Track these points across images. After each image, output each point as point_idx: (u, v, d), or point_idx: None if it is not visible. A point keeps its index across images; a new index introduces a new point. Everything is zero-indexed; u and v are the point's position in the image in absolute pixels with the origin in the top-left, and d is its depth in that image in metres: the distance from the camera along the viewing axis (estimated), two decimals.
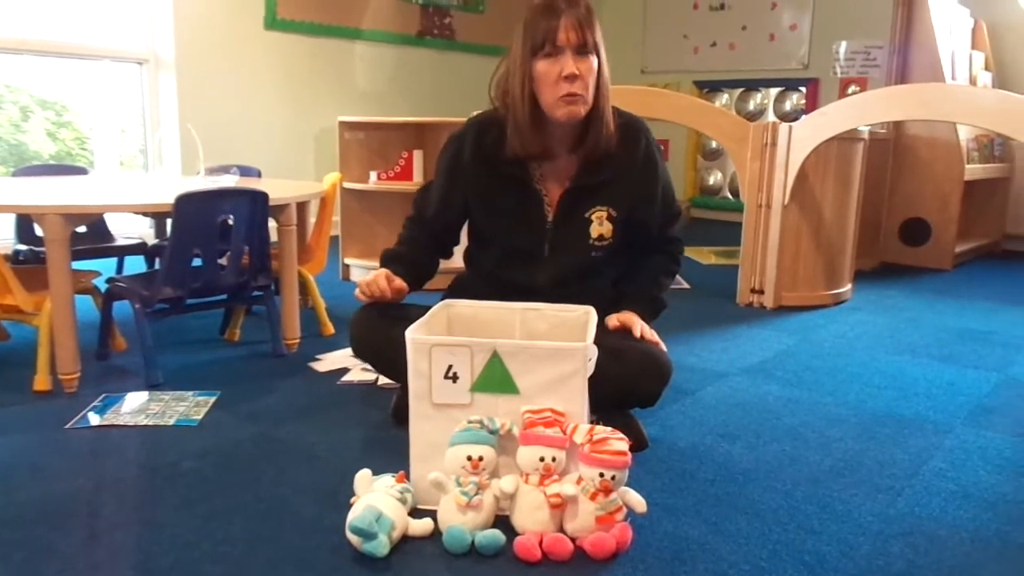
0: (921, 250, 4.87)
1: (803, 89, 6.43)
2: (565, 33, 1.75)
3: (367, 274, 1.95)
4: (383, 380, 2.40)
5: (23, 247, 3.01)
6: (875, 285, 4.20)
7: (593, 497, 1.48)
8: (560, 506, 1.50)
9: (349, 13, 5.53)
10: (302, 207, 3.01)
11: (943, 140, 4.71)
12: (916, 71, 4.88)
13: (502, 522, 1.53)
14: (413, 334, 1.61)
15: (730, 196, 6.93)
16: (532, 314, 1.87)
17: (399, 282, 1.92)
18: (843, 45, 6.10)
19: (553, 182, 1.94)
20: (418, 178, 3.94)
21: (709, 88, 6.90)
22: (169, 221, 2.37)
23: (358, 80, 5.70)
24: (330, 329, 3.00)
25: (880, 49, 5.84)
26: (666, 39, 7.04)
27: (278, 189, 2.72)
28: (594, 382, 1.60)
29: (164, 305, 2.47)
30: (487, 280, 2.03)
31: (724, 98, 6.86)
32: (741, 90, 6.77)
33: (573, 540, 1.48)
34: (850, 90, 6.03)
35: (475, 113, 2.04)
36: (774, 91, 6.62)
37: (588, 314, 1.80)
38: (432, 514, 1.55)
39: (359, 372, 2.50)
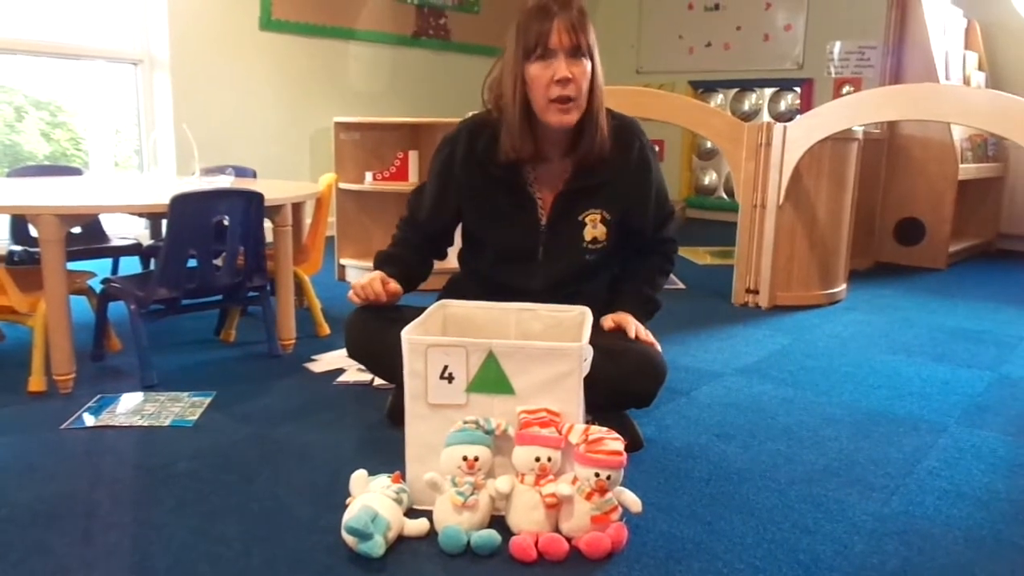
0: (915, 250, 4.89)
1: (797, 89, 6.44)
2: (558, 36, 1.74)
3: (362, 276, 1.95)
4: (379, 381, 2.40)
5: (18, 248, 3.01)
6: (869, 285, 4.22)
7: (588, 497, 1.48)
8: (556, 506, 1.50)
9: (344, 13, 5.53)
10: (298, 208, 3.01)
11: (937, 140, 4.72)
12: (910, 71, 4.90)
13: (498, 522, 1.53)
14: (409, 334, 1.61)
15: (725, 196, 6.94)
16: (527, 314, 1.87)
17: (393, 284, 1.92)
18: (837, 45, 6.12)
19: (547, 185, 1.94)
20: (413, 178, 3.94)
21: (704, 88, 6.91)
22: (164, 222, 2.37)
23: (353, 80, 5.70)
24: (326, 330, 3.00)
25: (874, 49, 5.85)
26: (661, 39, 7.05)
27: (274, 190, 2.72)
28: (589, 382, 1.60)
29: (159, 306, 2.46)
30: (481, 282, 2.03)
31: (719, 98, 6.87)
32: (736, 90, 6.79)
33: (569, 540, 1.48)
34: (844, 90, 6.05)
35: (470, 114, 2.04)
36: (769, 91, 6.64)
37: (583, 315, 1.81)
38: (428, 514, 1.55)
39: (355, 373, 2.50)
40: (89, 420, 2.10)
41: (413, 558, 1.46)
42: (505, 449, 1.57)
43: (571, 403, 1.59)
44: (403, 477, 1.61)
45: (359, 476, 1.57)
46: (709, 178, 7.08)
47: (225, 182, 2.85)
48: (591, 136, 1.84)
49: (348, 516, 1.45)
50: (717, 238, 5.62)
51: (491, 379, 1.59)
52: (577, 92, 1.78)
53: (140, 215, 3.55)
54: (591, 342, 1.62)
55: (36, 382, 2.30)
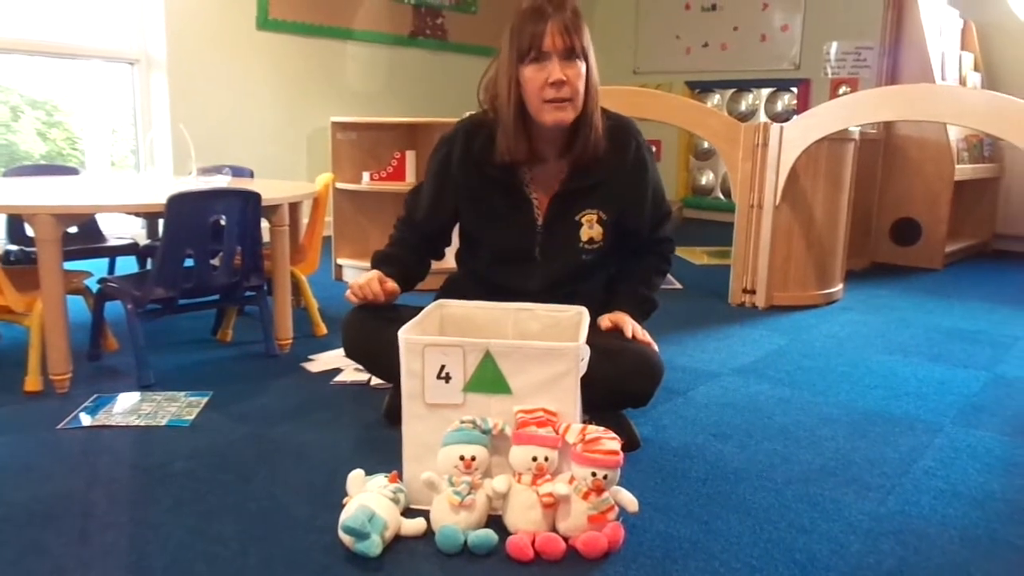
0: (911, 250, 4.90)
1: (794, 90, 6.45)
2: (551, 38, 1.74)
3: (359, 275, 1.95)
4: (376, 380, 2.40)
5: (14, 247, 3.01)
6: (866, 285, 4.22)
7: (585, 496, 1.49)
8: (552, 505, 1.50)
9: (341, 13, 5.53)
10: (295, 207, 3.00)
11: (933, 140, 4.73)
12: (906, 72, 4.91)
13: (495, 522, 1.54)
14: (406, 334, 1.62)
15: (722, 196, 6.94)
16: (525, 314, 1.87)
17: (391, 284, 1.93)
18: (834, 46, 6.13)
19: (543, 186, 1.95)
20: (411, 178, 3.94)
21: (701, 89, 6.92)
22: (161, 221, 2.37)
23: (350, 80, 5.69)
24: (323, 329, 3.00)
25: (870, 50, 5.86)
26: (658, 40, 7.06)
27: (270, 189, 2.72)
28: (586, 382, 1.61)
29: (156, 305, 2.46)
30: (478, 282, 2.03)
31: (716, 99, 6.88)
32: (733, 91, 6.79)
33: (565, 539, 1.48)
34: (841, 91, 6.06)
35: (467, 115, 2.04)
36: (765, 92, 6.64)
37: (580, 314, 1.81)
38: (425, 514, 1.55)
39: (352, 372, 2.50)
40: (86, 420, 2.10)
41: (410, 557, 1.46)
42: (502, 449, 1.57)
43: (568, 403, 1.59)
44: (400, 476, 1.61)
45: (356, 475, 1.57)
46: (706, 178, 7.09)
47: (222, 182, 2.84)
48: (586, 136, 1.84)
49: (345, 515, 1.45)
50: (714, 238, 5.63)
51: (488, 379, 1.59)
52: (572, 93, 1.78)
53: (137, 215, 3.55)
54: (588, 342, 1.63)
55: (32, 382, 2.30)
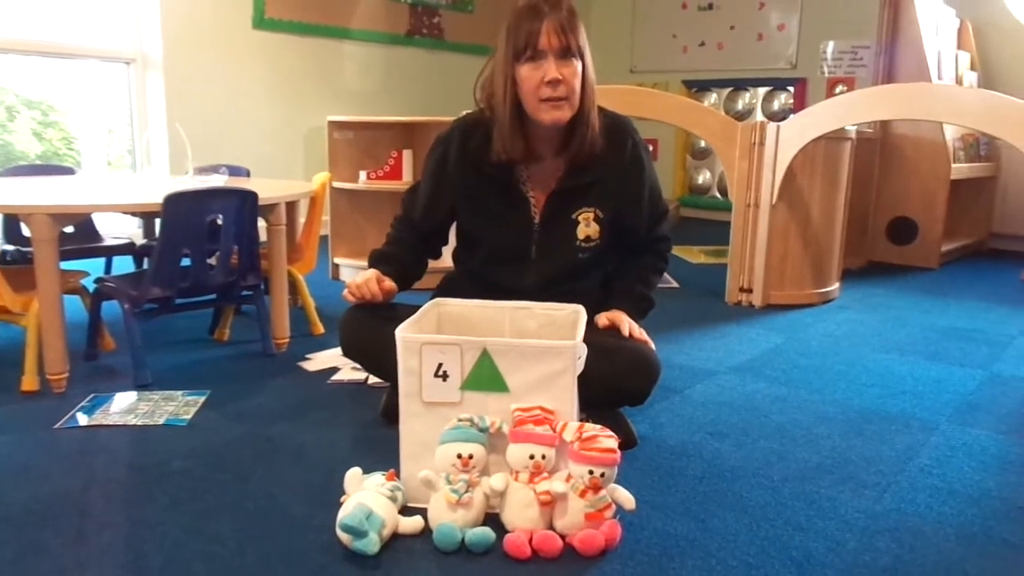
0: (908, 249, 4.90)
1: (791, 89, 6.46)
2: (547, 37, 1.74)
3: (356, 275, 1.95)
4: (373, 379, 2.40)
5: (10, 247, 3.00)
6: (862, 284, 4.23)
7: (582, 494, 1.49)
8: (550, 503, 1.51)
9: (338, 12, 5.52)
10: (291, 207, 3.00)
11: (929, 139, 4.74)
12: (903, 71, 4.91)
13: (492, 519, 1.54)
14: (403, 332, 1.62)
15: (718, 195, 6.95)
16: (522, 313, 1.88)
17: (389, 283, 1.93)
18: (830, 45, 6.14)
19: (539, 184, 1.95)
20: (407, 177, 3.94)
21: (698, 88, 6.92)
22: (158, 221, 2.37)
23: (347, 79, 5.69)
24: (320, 328, 3.00)
25: (867, 49, 5.87)
26: (655, 39, 7.06)
27: (267, 189, 2.72)
28: (583, 380, 1.61)
29: (153, 305, 2.46)
30: (475, 280, 2.03)
31: (712, 97, 6.88)
32: (729, 90, 6.80)
33: (562, 537, 1.49)
34: (837, 90, 6.07)
35: (463, 113, 2.04)
36: (762, 91, 6.65)
37: (578, 313, 1.81)
38: (422, 512, 1.55)
39: (349, 371, 2.50)
40: (83, 419, 2.10)
41: (408, 556, 1.46)
42: (499, 447, 1.57)
43: (565, 401, 1.59)
44: (397, 475, 1.61)
45: (354, 474, 1.57)
46: (703, 177, 7.09)
47: (219, 181, 2.84)
48: (582, 134, 1.85)
49: (343, 514, 1.46)
50: (711, 237, 5.63)
51: (485, 377, 1.59)
52: (568, 92, 1.78)
53: (133, 214, 3.54)
54: (585, 340, 1.63)
55: (29, 381, 2.29)
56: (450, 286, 2.07)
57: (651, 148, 6.82)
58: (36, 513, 1.60)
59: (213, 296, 2.65)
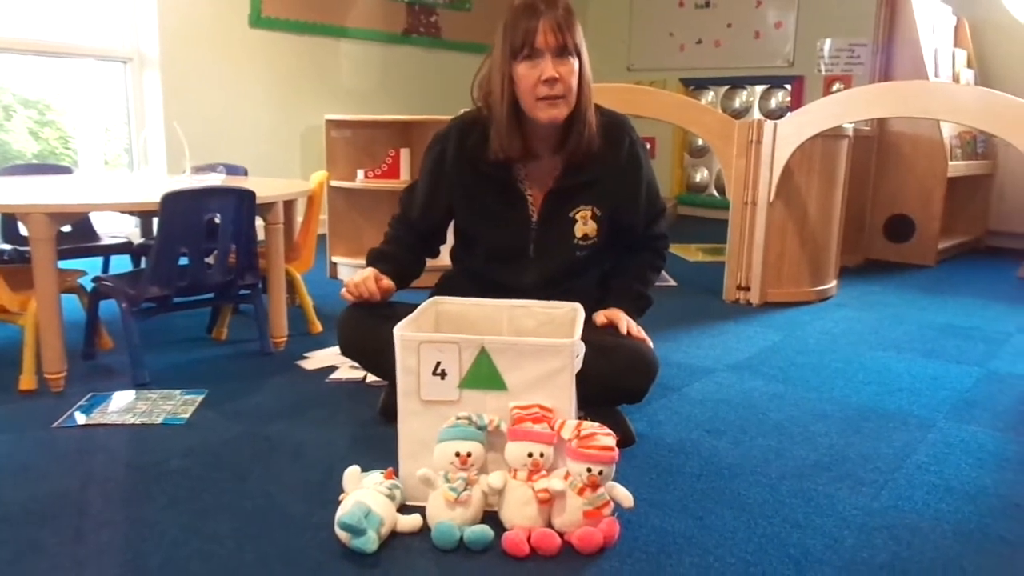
0: (905, 246, 4.91)
1: (788, 86, 6.46)
2: (544, 36, 1.75)
3: (355, 273, 1.95)
4: (371, 378, 2.40)
5: (8, 246, 3.00)
6: (859, 281, 4.24)
7: (580, 492, 1.49)
8: (548, 501, 1.51)
9: (335, 11, 5.52)
10: (289, 205, 3.00)
11: (926, 137, 4.75)
12: (900, 69, 4.92)
13: (490, 517, 1.54)
14: (402, 331, 1.62)
15: (716, 193, 6.95)
16: (520, 311, 1.88)
17: (387, 281, 1.93)
18: (827, 43, 6.13)
19: (537, 183, 1.95)
20: (405, 176, 3.94)
21: (695, 86, 6.92)
22: (155, 220, 2.37)
23: (344, 78, 5.69)
24: (318, 327, 3.00)
25: (864, 47, 5.87)
26: (652, 37, 7.06)
27: (265, 187, 2.72)
28: (581, 378, 1.61)
29: (151, 304, 2.46)
30: (473, 278, 2.03)
31: (710, 96, 6.89)
32: (727, 88, 6.80)
33: (561, 535, 1.49)
34: (834, 88, 6.06)
35: (461, 112, 2.04)
36: (759, 89, 6.65)
37: (575, 311, 1.81)
38: (421, 510, 1.55)
39: (347, 370, 2.50)
40: (81, 418, 2.10)
41: (406, 554, 1.46)
42: (498, 445, 1.57)
43: (563, 399, 1.59)
44: (396, 473, 1.62)
45: (352, 472, 1.57)
46: (700, 175, 7.10)
47: (216, 180, 2.84)
48: (579, 133, 1.85)
49: (341, 512, 1.46)
50: (708, 235, 5.64)
51: (484, 375, 1.59)
52: (565, 90, 1.78)
53: (131, 213, 3.54)
54: (583, 338, 1.63)
55: (27, 381, 2.29)
56: (448, 284, 2.08)
57: (648, 146, 6.82)
58: (34, 512, 1.60)
59: (211, 295, 2.65)
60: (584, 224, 1.95)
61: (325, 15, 5.46)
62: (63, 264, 2.41)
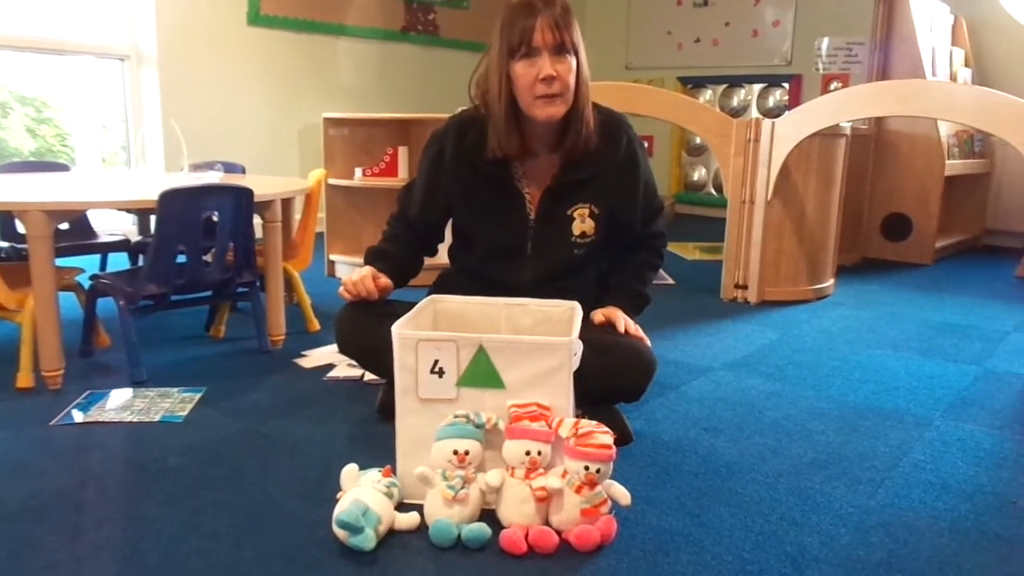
0: (902, 245, 4.92)
1: (786, 85, 6.47)
2: (541, 34, 1.75)
3: (352, 272, 1.95)
4: (369, 376, 2.40)
5: (5, 244, 2.99)
6: (857, 280, 4.24)
7: (578, 490, 1.49)
8: (545, 499, 1.51)
9: (333, 9, 5.51)
10: (287, 203, 3.00)
11: (924, 136, 4.75)
12: (897, 67, 4.92)
13: (488, 516, 1.54)
14: (399, 329, 1.62)
15: (714, 192, 6.96)
16: (517, 309, 1.88)
17: (384, 280, 1.93)
18: (825, 41, 6.14)
19: (535, 180, 1.95)
20: (403, 174, 3.94)
21: (693, 84, 6.93)
22: (153, 218, 2.37)
23: (342, 76, 5.68)
24: (315, 325, 3.00)
25: (862, 45, 5.88)
26: (650, 35, 7.06)
27: (263, 185, 2.72)
28: (579, 377, 1.61)
29: (148, 302, 2.46)
30: (471, 277, 2.03)
31: (708, 94, 6.89)
32: (725, 86, 6.81)
33: (558, 533, 1.49)
34: (832, 86, 6.08)
35: (459, 110, 2.04)
36: (757, 87, 6.66)
37: (573, 309, 1.81)
38: (419, 508, 1.55)
39: (345, 368, 2.50)
40: (78, 416, 2.10)
41: (404, 552, 1.47)
42: (495, 443, 1.57)
43: (561, 397, 1.59)
44: (394, 471, 1.62)
45: (350, 470, 1.57)
46: (698, 174, 7.10)
47: (214, 178, 2.84)
48: (577, 130, 1.85)
49: (339, 510, 1.46)
50: (706, 234, 5.64)
51: (481, 373, 1.59)
52: (563, 88, 1.79)
53: (129, 211, 3.53)
54: (581, 337, 1.63)
55: (24, 378, 2.29)
56: (446, 283, 2.08)
57: (647, 145, 6.81)
58: (32, 510, 1.60)
59: (208, 293, 2.65)
60: (582, 222, 1.96)
61: (323, 13, 5.45)
62: (61, 262, 2.41)
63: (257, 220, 2.59)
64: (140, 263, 3.16)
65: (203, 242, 2.45)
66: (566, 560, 1.45)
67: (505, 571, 1.41)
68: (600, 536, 1.48)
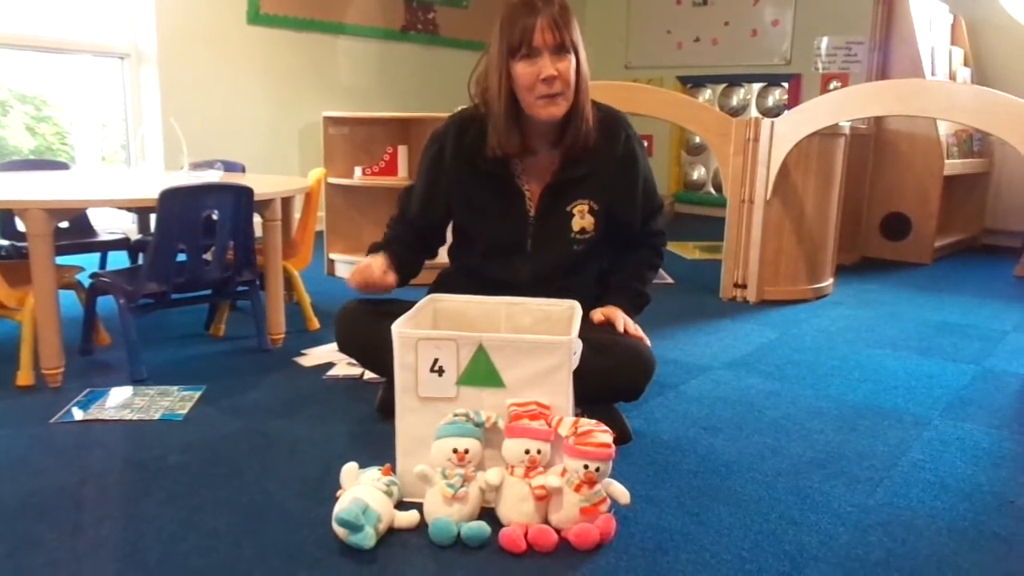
0: (901, 244, 4.92)
1: (785, 84, 6.47)
2: (541, 34, 1.75)
3: (360, 262, 1.94)
4: (368, 375, 2.41)
5: (5, 242, 3.00)
6: (856, 279, 4.25)
7: (577, 489, 1.50)
8: (545, 498, 1.51)
9: (332, 8, 5.51)
10: (287, 202, 3.00)
11: (923, 135, 4.76)
12: (896, 67, 4.93)
13: (488, 514, 1.55)
14: (399, 328, 1.62)
15: (713, 191, 6.96)
16: (517, 308, 1.88)
17: (392, 276, 1.92)
18: (824, 41, 6.14)
19: (534, 178, 1.95)
20: (403, 173, 3.94)
21: (692, 83, 6.93)
22: (153, 216, 2.37)
23: (342, 75, 5.68)
24: (315, 324, 3.00)
25: (861, 45, 5.88)
26: (649, 35, 7.06)
27: (263, 184, 2.72)
28: (578, 376, 1.62)
29: (148, 300, 2.46)
30: (471, 276, 2.03)
31: (707, 93, 6.89)
32: (724, 85, 6.81)
33: (558, 531, 1.49)
34: (831, 86, 6.08)
35: (458, 109, 2.04)
36: (757, 86, 6.66)
37: (573, 308, 1.82)
38: (418, 506, 1.56)
39: (344, 367, 2.51)
40: (78, 414, 2.10)
41: (403, 550, 1.47)
42: (495, 442, 1.58)
43: (561, 396, 1.60)
44: (393, 469, 1.62)
45: (350, 469, 1.57)
46: (697, 173, 7.10)
47: (214, 177, 2.84)
48: (577, 128, 1.86)
49: (339, 508, 1.46)
50: (705, 233, 5.64)
51: (481, 372, 1.59)
52: (563, 87, 1.79)
53: (129, 210, 3.53)
54: (580, 336, 1.64)
55: (24, 376, 2.29)
56: (446, 282, 2.08)
57: (646, 144, 6.81)
58: (32, 507, 1.60)
59: (208, 291, 2.66)
60: (581, 218, 1.96)
61: (323, 12, 5.45)
62: (61, 260, 2.41)
63: (257, 219, 2.59)
64: (140, 261, 3.17)
65: (203, 241, 2.45)
66: (565, 558, 1.45)
67: (504, 569, 1.42)
68: (599, 535, 1.48)
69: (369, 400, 2.21)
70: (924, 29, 4.91)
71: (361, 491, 1.50)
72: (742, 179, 3.52)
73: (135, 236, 3.45)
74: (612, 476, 1.55)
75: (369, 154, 4.05)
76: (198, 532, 1.52)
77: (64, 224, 3.12)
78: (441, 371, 1.60)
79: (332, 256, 4.06)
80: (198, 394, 2.26)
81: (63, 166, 3.56)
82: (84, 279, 2.63)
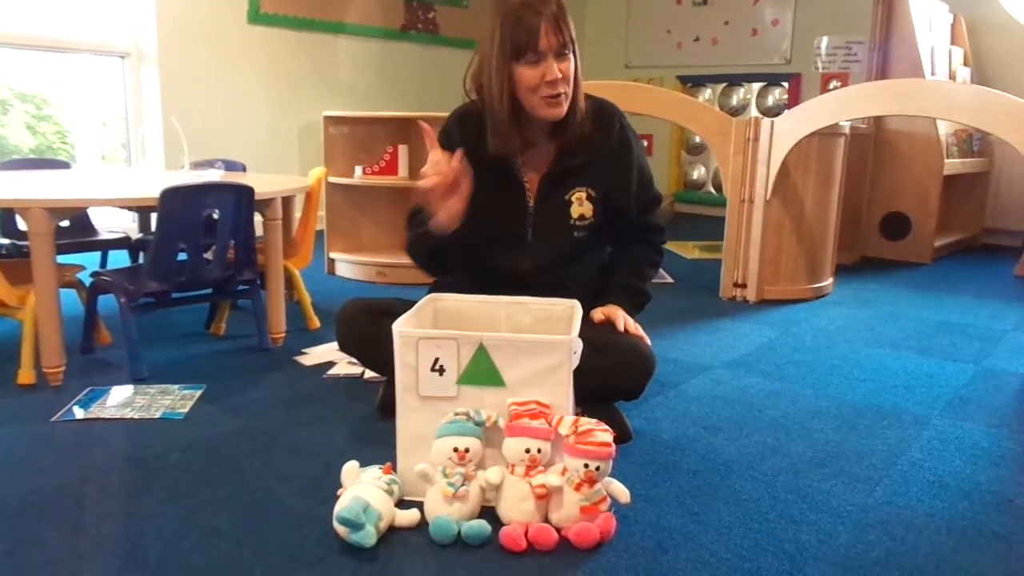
0: (901, 244, 4.92)
1: (785, 84, 6.47)
2: (546, 38, 1.75)
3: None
4: (369, 374, 2.41)
5: (6, 241, 3.00)
6: (856, 279, 4.25)
7: (578, 488, 1.50)
8: (545, 497, 1.52)
9: (333, 7, 5.51)
10: (287, 201, 3.00)
11: (923, 135, 4.76)
12: (896, 66, 4.93)
13: (488, 513, 1.55)
14: (400, 327, 1.63)
15: (713, 191, 6.96)
16: (518, 308, 1.89)
17: (461, 161, 1.78)
18: (824, 40, 6.14)
19: (533, 169, 1.97)
20: (403, 172, 3.94)
21: (692, 83, 6.93)
22: (154, 215, 2.37)
23: (342, 74, 5.68)
24: (316, 323, 3.00)
25: (861, 44, 5.87)
26: (649, 34, 7.06)
27: (263, 183, 2.73)
28: (579, 375, 1.62)
29: (149, 299, 2.46)
30: (472, 269, 2.03)
31: (707, 93, 6.89)
32: (724, 85, 6.81)
33: (558, 530, 1.50)
34: (831, 85, 6.08)
35: (458, 107, 2.04)
36: (756, 86, 6.66)
37: (573, 308, 1.82)
38: (419, 505, 1.56)
39: (345, 366, 2.51)
40: (79, 413, 2.10)
41: (404, 548, 1.47)
42: (495, 440, 1.58)
43: (561, 395, 1.60)
44: (394, 468, 1.62)
45: (350, 467, 1.58)
46: (697, 173, 7.11)
47: (215, 176, 2.84)
48: (574, 120, 1.87)
49: (339, 507, 1.47)
50: (705, 232, 5.65)
51: (482, 371, 1.60)
52: (567, 85, 1.80)
53: (129, 209, 3.54)
54: (580, 335, 1.64)
55: (26, 375, 2.30)
56: (446, 280, 2.08)
57: (646, 143, 6.82)
58: (33, 506, 1.61)
59: (209, 291, 2.66)
60: (580, 205, 1.97)
61: (323, 11, 5.45)
62: (61, 259, 2.41)
63: (257, 218, 2.60)
64: (141, 260, 3.17)
65: (204, 240, 2.46)
66: (565, 557, 1.45)
67: (505, 568, 1.42)
68: (599, 533, 1.48)
69: (370, 399, 2.21)
70: (924, 29, 4.91)
71: (362, 490, 1.51)
72: (742, 179, 3.52)
73: (136, 235, 3.45)
74: (612, 475, 1.55)
75: (369, 153, 4.05)
76: (199, 530, 1.52)
77: (65, 223, 3.12)
78: (442, 370, 1.60)
79: (332, 255, 4.06)
80: (199, 393, 2.27)
81: (64, 165, 3.56)
82: (85, 278, 2.63)
